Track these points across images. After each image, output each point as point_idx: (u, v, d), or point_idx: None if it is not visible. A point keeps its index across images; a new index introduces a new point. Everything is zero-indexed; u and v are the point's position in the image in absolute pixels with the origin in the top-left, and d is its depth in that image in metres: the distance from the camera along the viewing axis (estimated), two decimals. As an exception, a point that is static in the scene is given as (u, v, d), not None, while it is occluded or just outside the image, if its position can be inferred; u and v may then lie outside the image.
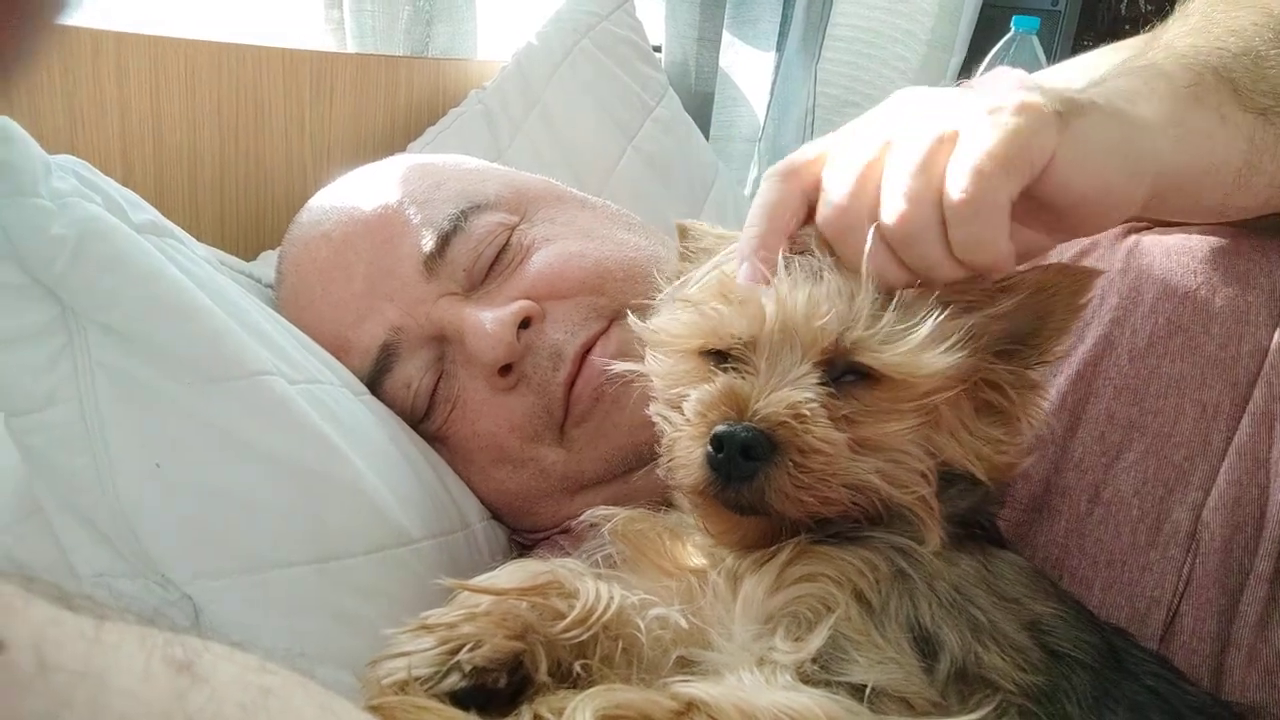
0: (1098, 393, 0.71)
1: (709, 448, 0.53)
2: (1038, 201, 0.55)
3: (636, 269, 0.87)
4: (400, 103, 1.32)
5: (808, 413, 0.52)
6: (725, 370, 0.56)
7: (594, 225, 0.92)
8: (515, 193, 0.91)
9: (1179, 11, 0.72)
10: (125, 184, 0.77)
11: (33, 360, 0.68)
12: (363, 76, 1.27)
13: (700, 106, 1.72)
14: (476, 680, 0.48)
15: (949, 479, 0.57)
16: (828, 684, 0.47)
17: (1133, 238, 0.77)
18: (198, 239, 0.84)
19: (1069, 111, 0.55)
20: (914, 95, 0.59)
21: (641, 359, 0.64)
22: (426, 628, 0.50)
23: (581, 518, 0.65)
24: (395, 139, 1.30)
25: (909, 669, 0.48)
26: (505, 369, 0.82)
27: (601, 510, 0.62)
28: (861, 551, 0.53)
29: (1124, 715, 0.52)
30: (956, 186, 0.52)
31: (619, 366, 0.65)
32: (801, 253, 0.57)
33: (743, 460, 0.52)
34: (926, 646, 0.50)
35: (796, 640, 0.49)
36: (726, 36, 1.71)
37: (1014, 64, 1.38)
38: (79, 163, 0.73)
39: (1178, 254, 0.73)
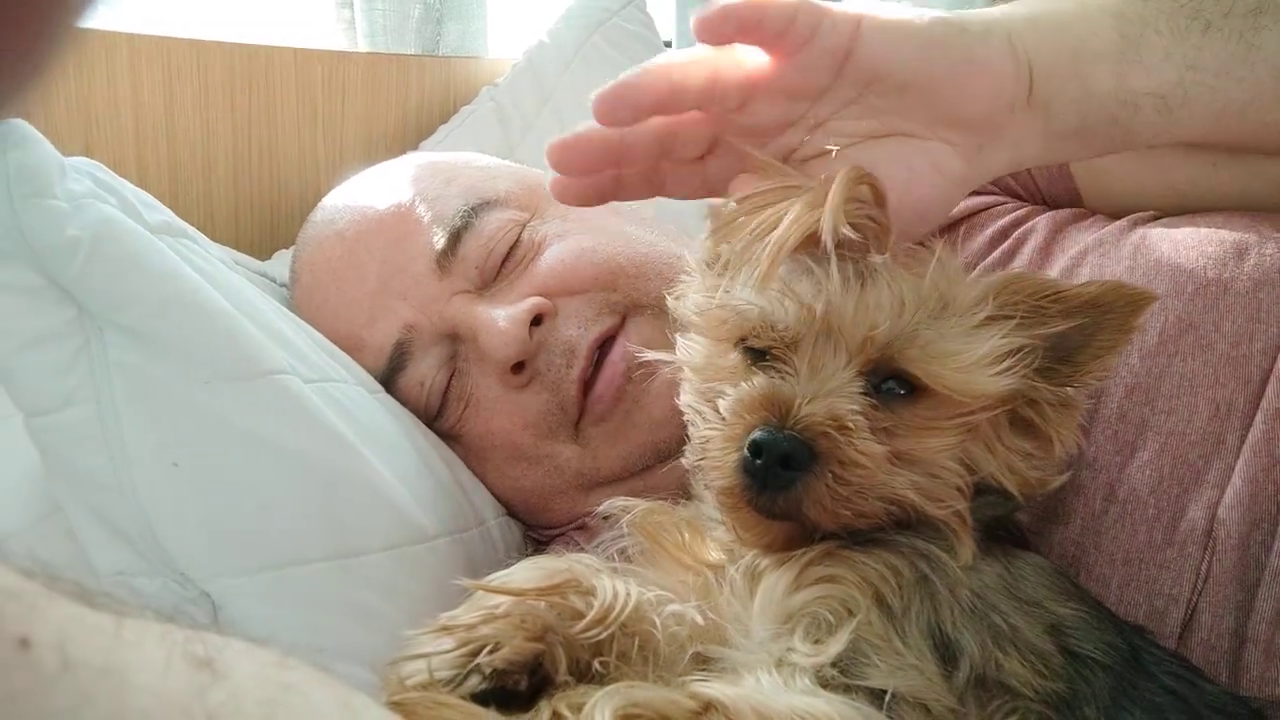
0: (1109, 391, 0.70)
1: (746, 452, 0.52)
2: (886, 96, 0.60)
3: (648, 264, 0.87)
4: (412, 101, 1.32)
5: (851, 424, 0.51)
6: (764, 368, 0.55)
7: (605, 221, 0.92)
8: (526, 189, 0.91)
9: None
10: (139, 185, 0.78)
11: (51, 361, 0.68)
12: (374, 75, 1.27)
13: (712, 101, 1.71)
14: (497, 683, 0.48)
15: (980, 489, 0.57)
16: (846, 689, 0.47)
17: (1139, 230, 0.76)
18: (212, 239, 0.85)
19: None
20: None
21: (662, 352, 0.64)
22: (446, 629, 0.50)
23: (600, 508, 0.65)
24: (407, 137, 1.30)
25: (929, 675, 0.48)
26: (518, 366, 0.82)
27: (620, 501, 0.62)
28: (884, 555, 0.53)
29: (1141, 716, 0.52)
30: None
31: (650, 355, 0.65)
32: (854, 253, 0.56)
33: (781, 470, 0.51)
34: (946, 652, 0.49)
35: (816, 642, 0.48)
36: (737, 31, 1.71)
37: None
38: (94, 164, 0.73)
39: (1186, 248, 0.72)
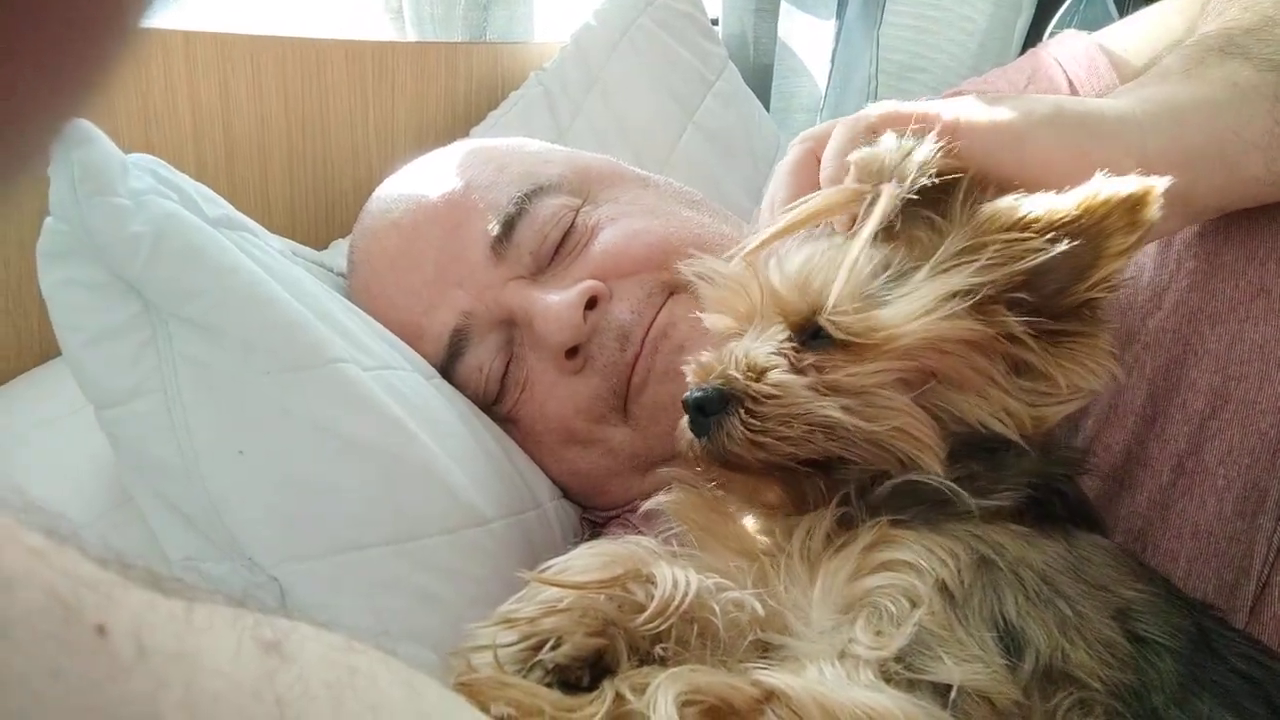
0: (1178, 360, 0.69)
1: (685, 415, 0.58)
2: None
3: (701, 245, 0.86)
4: (460, 88, 1.33)
5: (761, 363, 0.56)
6: (733, 337, 0.60)
7: (657, 203, 0.92)
8: (578, 173, 0.91)
9: None
10: (198, 179, 0.79)
11: (118, 355, 0.70)
12: (423, 64, 1.28)
13: (760, 78, 1.69)
14: (559, 677, 0.48)
15: (989, 449, 0.56)
16: (910, 683, 0.46)
17: None
18: (269, 230, 0.86)
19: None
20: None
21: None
22: (508, 622, 0.50)
23: (641, 509, 0.65)
24: (457, 125, 1.31)
25: (994, 667, 0.47)
26: (572, 351, 0.82)
27: (652, 502, 0.62)
28: (939, 538, 0.52)
29: (1211, 702, 0.50)
30: None
31: (698, 315, 0.66)
32: None
33: (701, 416, 0.57)
34: (1011, 643, 0.48)
35: (878, 634, 0.47)
36: (785, 5, 1.68)
37: (1084, 22, 1.33)
38: (154, 161, 0.75)
39: (1258, 213, 0.70)
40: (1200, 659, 0.52)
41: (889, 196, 0.55)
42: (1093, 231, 0.53)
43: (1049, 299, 0.55)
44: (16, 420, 0.85)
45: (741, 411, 0.55)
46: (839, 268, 0.56)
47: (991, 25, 1.59)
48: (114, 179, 0.68)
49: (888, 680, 0.46)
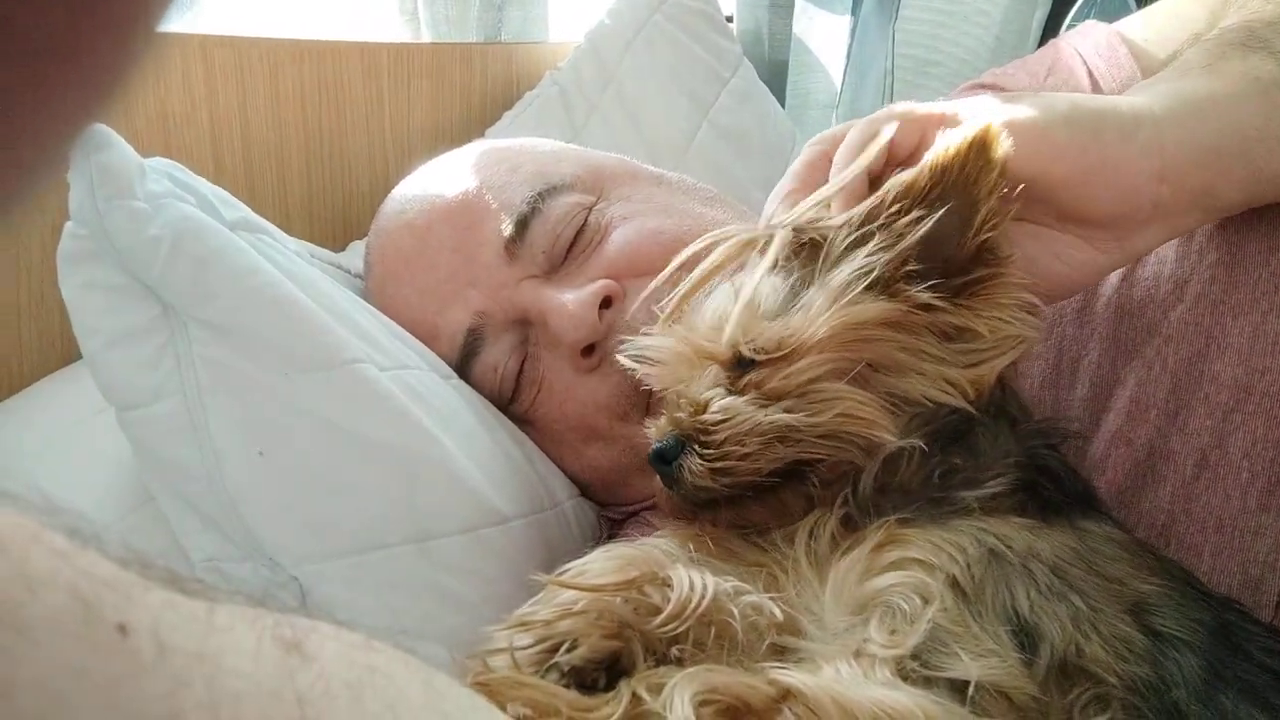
0: (1201, 353, 0.68)
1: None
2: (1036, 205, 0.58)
3: (716, 243, 0.87)
4: (476, 89, 1.33)
5: (703, 398, 0.58)
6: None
7: (671, 201, 0.91)
8: (591, 172, 0.91)
9: None
10: (216, 182, 0.79)
11: (138, 357, 0.71)
12: (438, 65, 1.28)
13: (775, 75, 1.69)
14: (575, 679, 0.48)
15: (961, 438, 0.57)
16: (927, 680, 0.46)
17: None
18: (287, 233, 0.86)
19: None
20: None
21: None
22: (524, 625, 0.51)
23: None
24: (472, 125, 1.31)
25: (1009, 661, 0.46)
26: (588, 349, 0.82)
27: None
28: (945, 533, 0.52)
29: (1235, 698, 0.49)
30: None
31: None
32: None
33: (665, 466, 0.59)
34: (1025, 638, 0.48)
35: (893, 632, 0.47)
36: (800, 1, 1.68)
37: (1102, 13, 1.32)
38: (171, 164, 0.75)
39: (1276, 207, 0.69)
40: (1223, 654, 0.51)
41: (780, 240, 0.58)
42: (959, 184, 0.55)
43: (949, 260, 0.57)
44: (40, 423, 0.86)
45: (697, 447, 0.58)
46: (741, 297, 0.59)
47: (1008, 18, 1.58)
48: (132, 183, 0.69)
49: (904, 678, 0.45)
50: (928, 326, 0.57)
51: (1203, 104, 0.61)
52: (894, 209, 0.56)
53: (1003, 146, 0.54)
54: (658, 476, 0.61)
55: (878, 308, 0.56)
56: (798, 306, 0.58)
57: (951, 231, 0.56)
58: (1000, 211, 0.56)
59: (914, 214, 0.56)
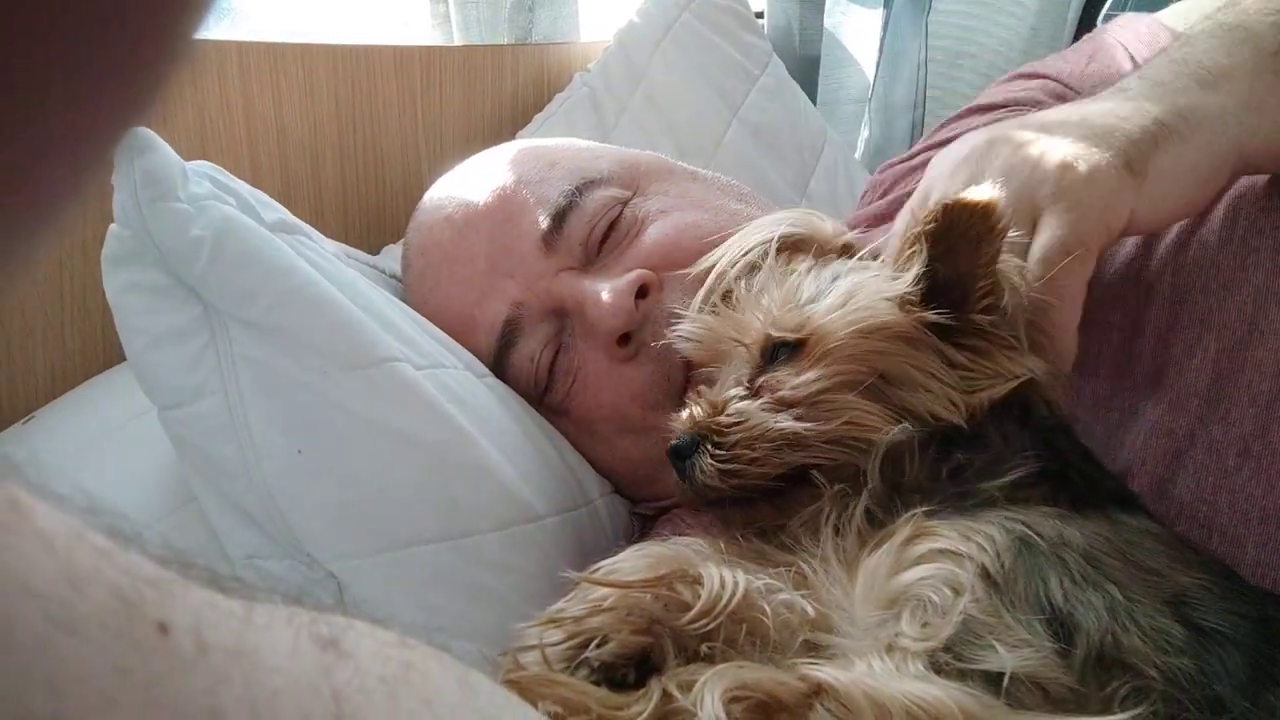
0: (1243, 340, 0.67)
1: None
2: None
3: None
4: (507, 91, 1.34)
5: (722, 399, 0.62)
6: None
7: (706, 197, 0.92)
8: (627, 168, 0.91)
9: None
10: (254, 185, 0.81)
11: (180, 357, 0.72)
12: (470, 67, 1.29)
13: (806, 70, 1.68)
14: (606, 675, 0.48)
15: (952, 441, 0.58)
16: (961, 673, 0.45)
17: (1245, 179, 0.72)
18: (323, 234, 0.88)
19: (1138, 158, 0.60)
20: (991, 142, 0.65)
21: None
22: (554, 622, 0.51)
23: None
24: (504, 127, 1.32)
25: (1044, 652, 0.45)
26: (624, 339, 0.83)
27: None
28: (972, 524, 0.51)
29: None
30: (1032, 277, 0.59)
31: None
32: None
33: (680, 461, 0.62)
34: (1060, 629, 0.47)
35: (924, 625, 0.47)
36: (831, -4, 1.67)
37: (1140, 5, 1.30)
38: (212, 167, 0.76)
39: None
40: (1269, 650, 0.50)
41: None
42: (959, 237, 0.59)
43: (958, 309, 0.60)
44: (85, 424, 0.88)
45: (709, 446, 0.61)
46: (780, 287, 0.63)
47: (1043, 9, 1.56)
48: (175, 185, 0.70)
49: (938, 671, 0.45)
50: (936, 350, 0.60)
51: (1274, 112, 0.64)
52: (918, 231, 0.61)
53: (1002, 219, 0.58)
54: (678, 476, 0.63)
55: (892, 316, 0.60)
56: (826, 293, 0.62)
57: (957, 283, 0.60)
58: (996, 288, 0.60)
59: (919, 249, 0.61)
